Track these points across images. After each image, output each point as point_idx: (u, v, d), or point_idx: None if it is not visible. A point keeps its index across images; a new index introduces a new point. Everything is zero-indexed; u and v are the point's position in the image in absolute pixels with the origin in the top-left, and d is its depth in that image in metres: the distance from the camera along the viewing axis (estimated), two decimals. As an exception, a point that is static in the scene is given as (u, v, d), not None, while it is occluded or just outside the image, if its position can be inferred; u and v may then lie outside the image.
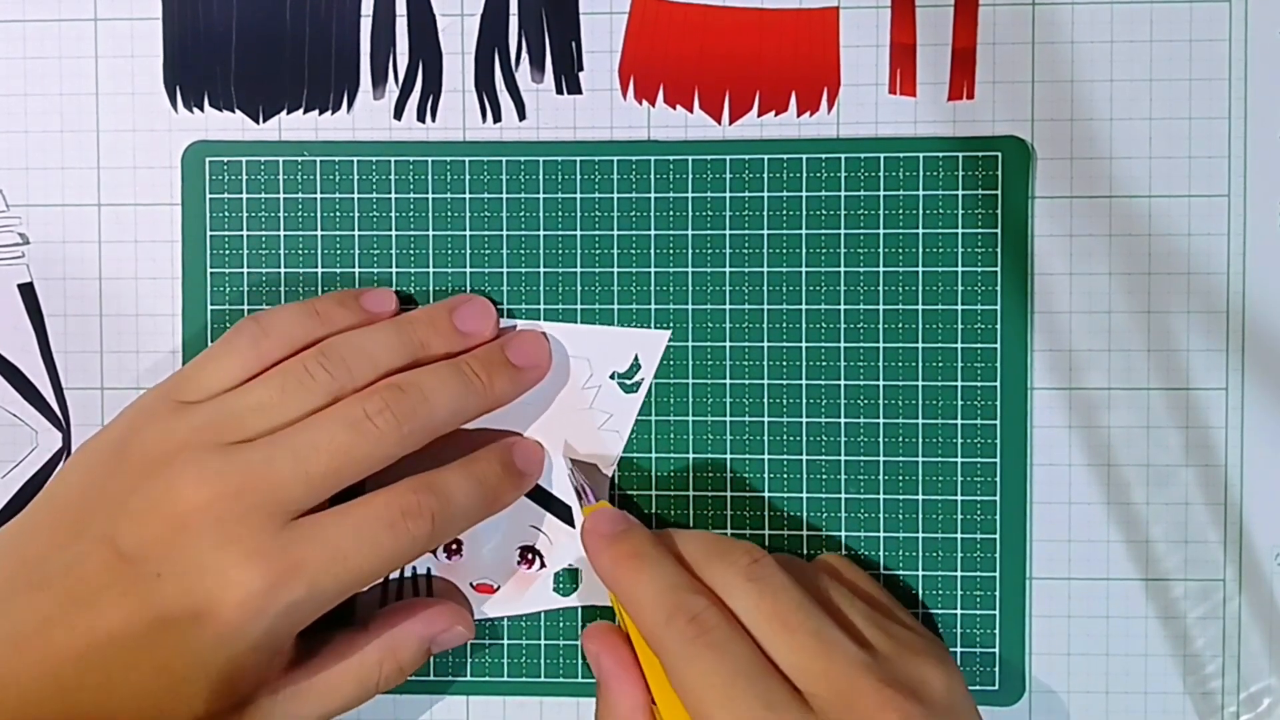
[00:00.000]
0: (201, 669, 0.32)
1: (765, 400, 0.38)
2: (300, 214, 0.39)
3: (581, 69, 0.39)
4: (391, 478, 0.34)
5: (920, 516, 0.38)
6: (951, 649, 0.38)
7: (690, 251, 0.38)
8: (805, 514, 0.38)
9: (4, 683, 0.31)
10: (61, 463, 0.39)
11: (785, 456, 0.38)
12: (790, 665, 0.31)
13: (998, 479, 0.38)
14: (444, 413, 0.35)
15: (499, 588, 0.38)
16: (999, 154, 0.38)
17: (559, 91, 0.39)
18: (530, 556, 0.38)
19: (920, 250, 0.38)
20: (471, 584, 0.38)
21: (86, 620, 0.31)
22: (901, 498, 0.38)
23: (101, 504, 0.33)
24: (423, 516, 0.33)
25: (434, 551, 0.38)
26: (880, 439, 0.38)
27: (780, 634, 0.32)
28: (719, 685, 0.31)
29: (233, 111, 0.39)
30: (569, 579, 0.38)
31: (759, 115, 0.38)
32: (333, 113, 0.39)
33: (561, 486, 0.38)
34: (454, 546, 0.38)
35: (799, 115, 0.38)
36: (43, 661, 0.31)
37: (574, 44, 0.39)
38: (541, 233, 0.38)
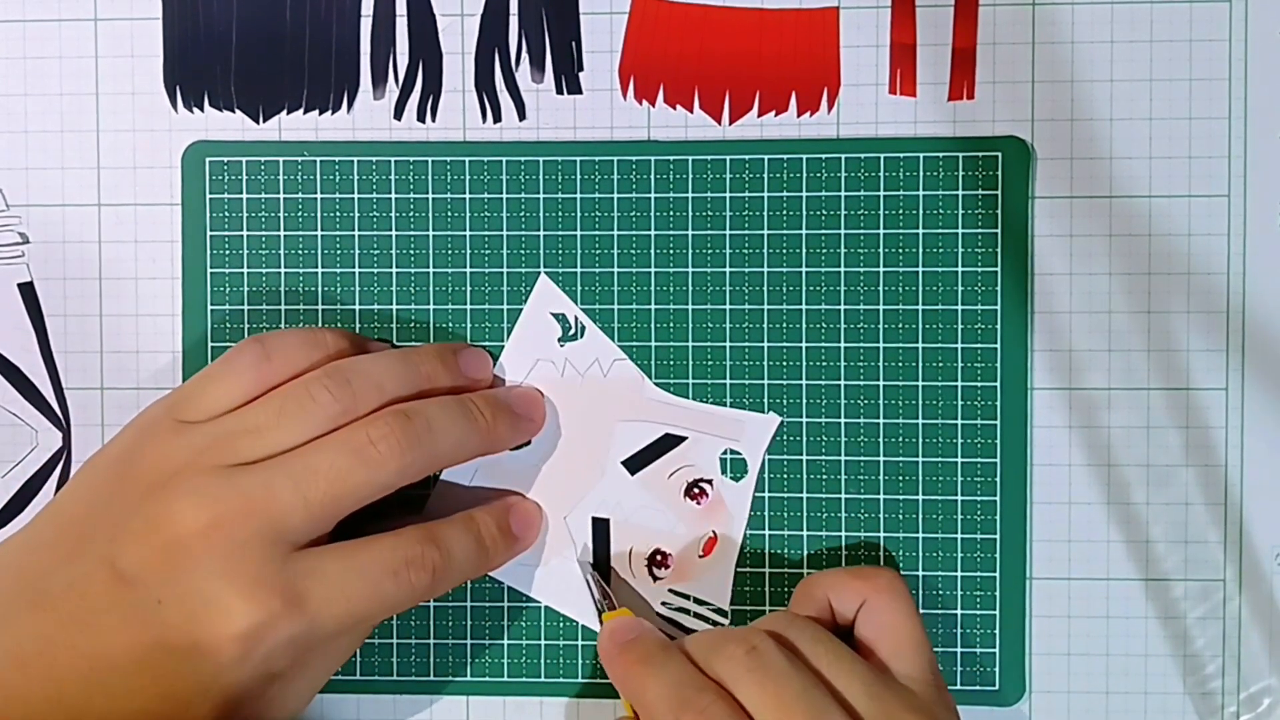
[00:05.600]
0: (204, 694, 0.32)
1: (765, 400, 0.38)
2: (300, 214, 0.39)
3: (581, 69, 0.39)
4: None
5: (920, 516, 0.38)
6: (951, 649, 0.38)
7: (690, 251, 0.38)
8: (805, 514, 0.38)
9: (9, 700, 0.31)
10: (60, 464, 0.39)
11: (785, 457, 0.38)
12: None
13: (998, 479, 0.38)
14: (447, 445, 0.34)
15: (714, 532, 0.38)
16: (999, 154, 0.38)
17: (559, 91, 0.39)
18: (698, 489, 0.38)
19: (920, 250, 0.38)
20: (699, 555, 0.38)
21: (89, 643, 0.31)
22: (901, 498, 0.38)
23: (103, 523, 0.32)
24: (425, 569, 0.33)
25: (652, 573, 0.38)
26: (880, 439, 0.38)
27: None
28: None
29: (233, 111, 0.39)
30: (737, 467, 0.38)
31: (759, 115, 0.38)
32: (333, 113, 0.39)
33: (631, 444, 0.38)
34: (659, 559, 0.38)
35: (799, 115, 0.38)
36: (47, 681, 0.31)
37: (574, 44, 0.39)
38: (541, 233, 0.38)
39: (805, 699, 0.32)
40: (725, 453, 0.38)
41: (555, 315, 0.38)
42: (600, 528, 0.38)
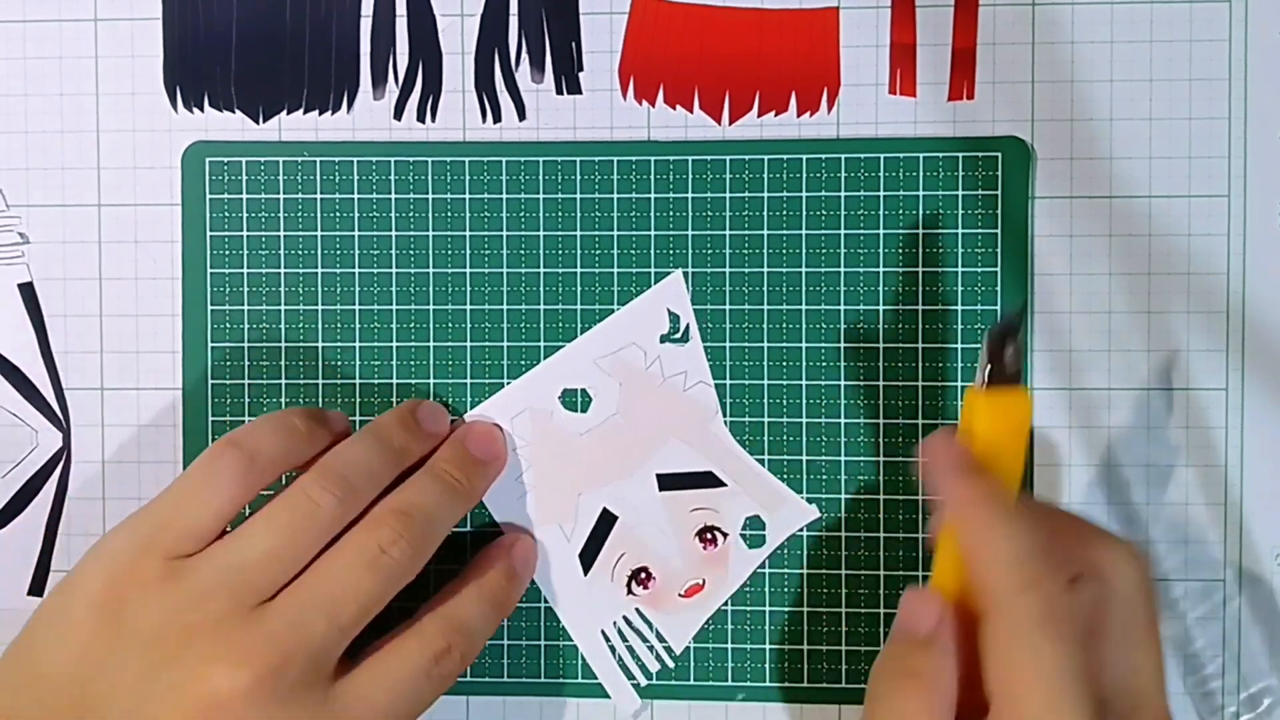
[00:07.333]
0: None
1: (765, 400, 0.38)
2: (300, 214, 0.39)
3: (581, 69, 0.39)
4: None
5: (920, 517, 0.38)
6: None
7: (690, 251, 0.38)
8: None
9: None
10: (60, 464, 0.39)
11: (785, 456, 0.38)
12: (1112, 692, 0.30)
13: (998, 479, 0.38)
14: (444, 527, 0.35)
15: (704, 581, 0.38)
16: (999, 154, 0.38)
17: (559, 91, 0.39)
18: (710, 535, 0.38)
19: (920, 250, 0.38)
20: (680, 594, 0.38)
21: None
22: (902, 498, 0.38)
23: (109, 689, 0.30)
24: (453, 658, 0.34)
25: (630, 588, 0.38)
26: (880, 439, 0.38)
27: (1123, 659, 0.30)
28: (1051, 682, 0.29)
29: (233, 111, 0.39)
30: (755, 538, 0.38)
31: (759, 115, 0.38)
32: (333, 113, 0.39)
33: (674, 463, 0.38)
34: (643, 577, 0.38)
35: (799, 115, 0.38)
36: None
37: (574, 44, 0.39)
38: (541, 233, 0.38)
39: (1150, 648, 0.31)
40: (752, 518, 0.38)
41: (670, 312, 0.38)
42: (605, 520, 0.38)
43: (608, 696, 0.38)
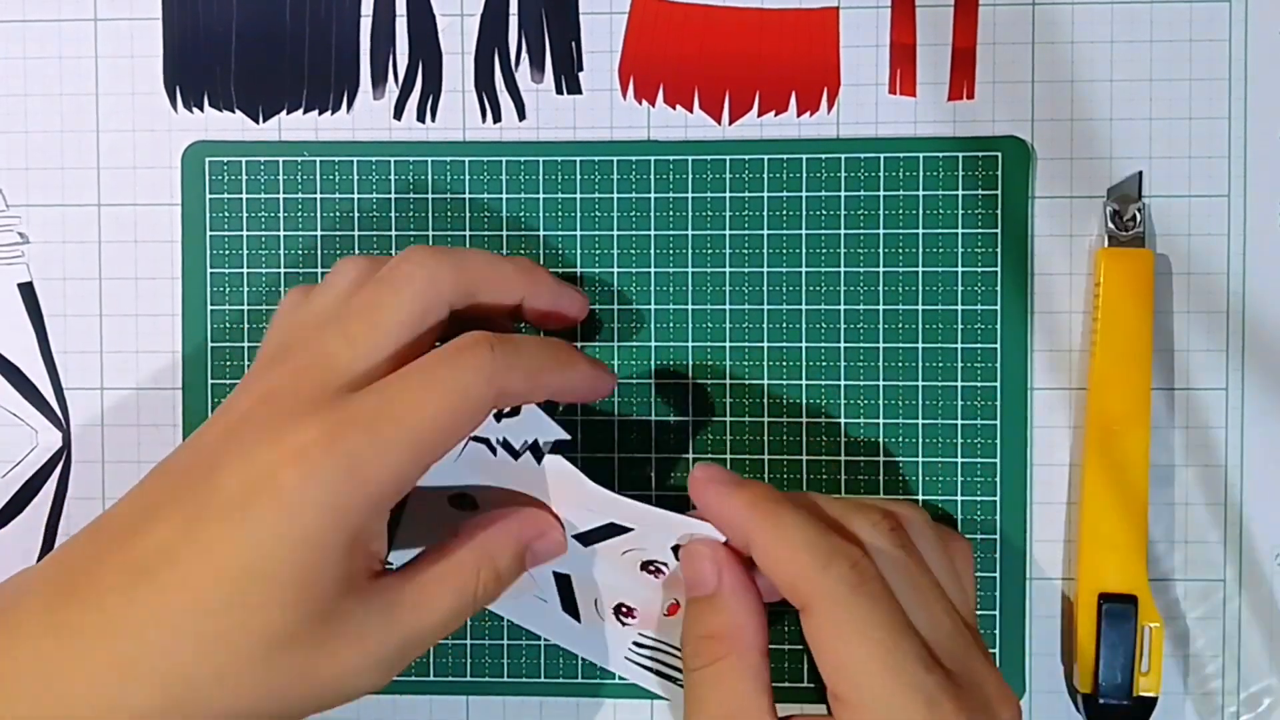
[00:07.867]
0: (270, 564, 0.28)
1: (765, 400, 0.38)
2: (300, 214, 0.39)
3: (581, 69, 0.39)
4: None
5: (920, 516, 0.38)
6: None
7: (690, 251, 0.38)
8: (805, 514, 0.38)
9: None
10: (60, 464, 0.39)
11: (786, 457, 0.38)
12: (929, 637, 0.30)
13: (998, 479, 0.38)
14: (480, 273, 0.32)
15: (678, 600, 0.34)
16: (999, 154, 0.38)
17: (559, 91, 0.39)
18: (653, 568, 0.34)
19: (920, 250, 0.38)
20: (663, 615, 0.35)
21: (135, 550, 0.28)
22: (902, 498, 0.38)
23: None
24: (479, 345, 0.30)
25: (619, 619, 0.35)
26: (880, 439, 0.38)
27: (921, 605, 0.31)
28: (882, 640, 0.29)
29: (233, 111, 0.39)
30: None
31: (759, 115, 0.38)
32: (333, 113, 0.39)
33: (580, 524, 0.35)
34: (625, 610, 0.35)
35: (799, 115, 0.38)
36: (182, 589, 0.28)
37: (574, 44, 0.39)
38: (542, 233, 0.38)
39: (939, 587, 0.32)
40: (676, 547, 0.33)
41: None
42: (563, 582, 0.35)
43: (607, 696, 0.38)
